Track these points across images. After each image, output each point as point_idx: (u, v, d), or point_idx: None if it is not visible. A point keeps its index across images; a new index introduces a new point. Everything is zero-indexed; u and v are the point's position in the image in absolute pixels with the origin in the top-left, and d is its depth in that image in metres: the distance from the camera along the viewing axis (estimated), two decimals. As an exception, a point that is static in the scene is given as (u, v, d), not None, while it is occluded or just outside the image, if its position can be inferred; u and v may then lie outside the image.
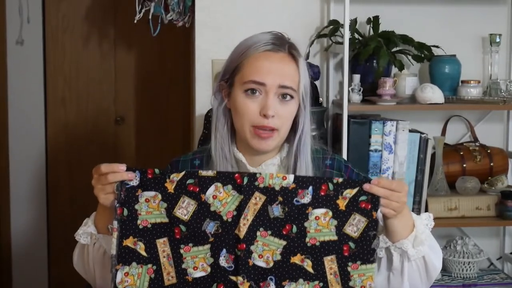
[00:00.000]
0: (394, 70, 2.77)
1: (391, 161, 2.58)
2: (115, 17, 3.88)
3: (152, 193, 1.44)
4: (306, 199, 1.44)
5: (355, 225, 1.44)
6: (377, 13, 2.74)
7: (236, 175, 1.44)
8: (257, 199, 1.43)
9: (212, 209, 1.44)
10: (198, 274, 1.44)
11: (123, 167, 1.45)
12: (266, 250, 1.44)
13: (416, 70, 2.87)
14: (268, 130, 1.53)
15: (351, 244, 1.44)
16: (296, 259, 1.44)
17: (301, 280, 1.44)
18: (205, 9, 2.77)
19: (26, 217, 3.87)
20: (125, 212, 1.44)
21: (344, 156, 2.55)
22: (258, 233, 1.43)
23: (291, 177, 1.44)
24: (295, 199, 1.44)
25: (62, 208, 3.90)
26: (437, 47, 2.79)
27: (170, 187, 1.44)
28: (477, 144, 2.82)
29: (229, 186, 1.44)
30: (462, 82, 2.74)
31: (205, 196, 1.44)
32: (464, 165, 2.75)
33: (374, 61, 2.70)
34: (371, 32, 2.76)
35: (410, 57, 2.78)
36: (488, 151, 2.78)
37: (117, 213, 1.44)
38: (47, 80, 3.88)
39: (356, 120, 2.60)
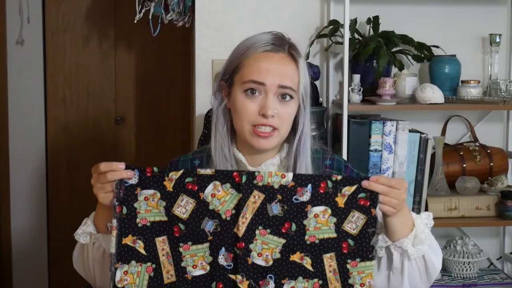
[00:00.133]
0: (394, 70, 2.77)
1: (391, 161, 2.58)
2: (115, 17, 3.88)
3: (151, 192, 1.44)
4: (305, 197, 1.44)
5: (354, 222, 1.44)
6: (377, 13, 2.74)
7: (235, 173, 1.44)
8: (256, 198, 1.43)
9: (210, 207, 1.44)
10: (197, 272, 1.45)
11: (122, 165, 1.45)
12: (265, 249, 1.44)
13: (416, 70, 2.87)
14: (268, 129, 1.53)
15: (350, 242, 1.44)
16: (296, 257, 1.44)
17: (300, 278, 1.44)
18: (205, 9, 2.77)
19: (26, 217, 3.87)
20: (124, 210, 1.44)
21: (344, 156, 2.55)
22: (257, 232, 1.43)
23: (290, 175, 1.44)
24: (294, 197, 1.44)
25: (62, 208, 3.90)
26: (437, 47, 2.80)
27: (169, 185, 1.44)
28: (477, 144, 2.82)
29: (228, 185, 1.44)
30: (462, 82, 2.74)
31: (203, 195, 1.44)
32: (464, 165, 2.75)
33: (374, 61, 2.70)
34: (371, 32, 2.76)
35: (410, 57, 2.78)
36: (488, 151, 2.78)
37: (116, 212, 1.44)
38: (47, 80, 3.88)
39: (356, 120, 2.60)
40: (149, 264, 1.45)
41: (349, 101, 2.60)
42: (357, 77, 2.66)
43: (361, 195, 1.44)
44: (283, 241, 1.44)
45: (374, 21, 2.74)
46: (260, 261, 1.44)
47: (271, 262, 1.44)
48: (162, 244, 1.45)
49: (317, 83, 2.74)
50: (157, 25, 2.84)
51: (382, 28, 2.74)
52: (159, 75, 3.95)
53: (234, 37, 2.70)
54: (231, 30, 2.76)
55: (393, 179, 1.47)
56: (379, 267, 1.57)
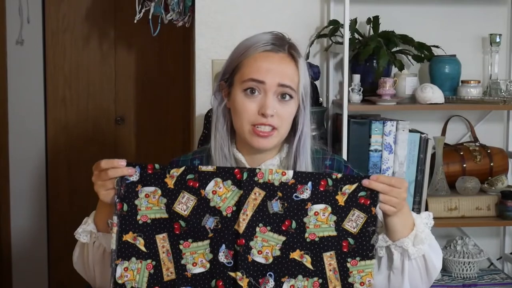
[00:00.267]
0: (394, 70, 2.77)
1: (391, 161, 2.58)
2: (115, 17, 3.88)
3: (152, 189, 1.44)
4: (305, 194, 1.44)
5: (354, 221, 1.44)
6: (377, 13, 2.74)
7: (236, 170, 1.44)
8: (257, 195, 1.44)
9: (211, 204, 1.44)
10: (197, 270, 1.45)
11: (123, 162, 1.45)
12: (265, 246, 1.44)
13: (416, 70, 2.87)
14: (267, 128, 1.53)
15: (350, 240, 1.44)
16: (296, 255, 1.44)
17: (300, 277, 1.44)
18: (205, 9, 2.77)
19: (26, 217, 3.87)
20: (125, 207, 1.44)
21: (344, 156, 2.55)
22: (257, 229, 1.44)
23: (290, 173, 1.45)
24: (294, 194, 1.44)
25: (62, 208, 3.91)
26: (437, 47, 2.79)
27: (170, 182, 1.44)
28: (477, 144, 2.82)
29: (229, 182, 1.44)
30: (462, 82, 2.74)
31: (204, 192, 1.44)
32: (464, 165, 2.75)
33: (374, 61, 2.70)
34: (371, 32, 2.76)
35: (410, 57, 2.78)
36: (488, 151, 2.78)
37: (117, 209, 1.44)
38: (47, 80, 3.88)
39: (356, 120, 2.60)
40: (149, 261, 1.45)
41: (349, 101, 2.60)
42: (357, 77, 2.66)
43: (362, 193, 1.44)
44: (283, 238, 1.44)
45: (374, 21, 2.74)
46: (260, 259, 1.44)
47: (271, 260, 1.44)
48: (162, 241, 1.45)
49: (317, 83, 2.74)
50: (157, 25, 2.84)
51: (382, 28, 2.74)
52: (159, 75, 3.95)
53: (234, 37, 2.70)
54: (231, 30, 2.76)
55: (393, 178, 1.47)
56: (379, 266, 1.57)
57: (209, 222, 1.44)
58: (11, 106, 3.82)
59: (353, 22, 2.72)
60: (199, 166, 1.45)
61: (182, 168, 1.44)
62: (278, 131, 1.55)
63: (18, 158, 3.83)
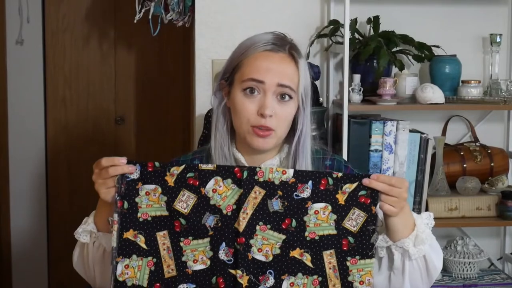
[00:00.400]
0: (395, 70, 2.76)
1: (392, 161, 2.58)
2: (115, 17, 3.88)
3: (152, 186, 1.45)
4: (306, 193, 1.44)
5: (354, 220, 1.44)
6: (377, 13, 2.74)
7: (236, 169, 1.45)
8: (257, 193, 1.44)
9: (212, 202, 1.44)
10: (198, 267, 1.45)
11: (123, 160, 1.45)
12: (265, 244, 1.44)
13: (416, 70, 2.86)
14: (265, 129, 1.53)
15: (350, 239, 1.44)
16: (296, 253, 1.45)
17: (300, 274, 1.45)
18: (205, 9, 2.77)
19: (26, 217, 3.87)
20: (126, 205, 1.44)
21: (345, 156, 2.55)
22: (257, 227, 1.44)
23: (290, 172, 1.45)
24: (294, 193, 1.44)
25: (62, 208, 3.90)
26: (437, 47, 2.79)
27: (170, 180, 1.44)
28: (477, 144, 2.82)
29: (229, 180, 1.44)
30: (463, 82, 2.74)
31: (205, 190, 1.44)
32: (465, 165, 2.75)
33: (375, 61, 2.70)
34: (371, 32, 2.75)
35: (410, 57, 2.78)
36: (489, 151, 2.78)
37: (118, 206, 1.44)
38: (47, 80, 3.88)
39: (356, 120, 2.59)
40: (150, 258, 1.45)
41: (349, 101, 2.60)
42: (357, 77, 2.66)
43: (362, 192, 1.44)
44: (283, 237, 1.44)
45: (375, 21, 2.73)
46: (260, 257, 1.44)
47: (271, 258, 1.45)
48: (163, 238, 1.45)
49: (317, 83, 2.74)
50: (157, 25, 2.84)
51: (382, 28, 2.74)
52: (159, 75, 3.95)
53: (234, 37, 2.70)
54: (231, 30, 2.76)
55: (394, 177, 1.47)
56: (380, 267, 1.57)
57: (209, 220, 1.45)
58: (11, 106, 3.82)
59: (353, 22, 2.72)
60: (199, 165, 1.45)
61: (182, 166, 1.45)
62: (275, 132, 1.54)
63: (18, 158, 3.83)
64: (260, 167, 1.45)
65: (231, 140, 1.63)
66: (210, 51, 2.77)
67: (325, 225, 1.45)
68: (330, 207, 1.44)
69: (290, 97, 1.55)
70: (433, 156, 2.69)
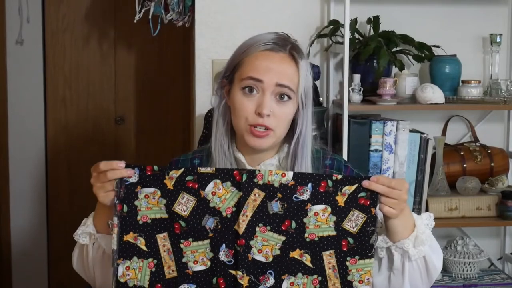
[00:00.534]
0: (395, 70, 2.76)
1: (392, 161, 2.58)
2: (115, 17, 3.88)
3: (152, 190, 1.45)
4: (305, 195, 1.44)
5: (354, 221, 1.45)
6: (377, 13, 2.74)
7: (235, 172, 1.45)
8: (256, 196, 1.44)
9: (211, 205, 1.45)
10: (198, 268, 1.46)
11: (122, 164, 1.45)
12: (265, 245, 1.45)
13: (416, 70, 2.86)
14: (263, 128, 1.53)
15: (350, 240, 1.45)
16: (295, 254, 1.45)
17: (300, 274, 1.45)
18: (205, 9, 2.77)
19: (26, 217, 3.87)
20: (125, 208, 1.45)
21: (345, 156, 2.55)
22: (257, 229, 1.44)
23: (290, 174, 1.45)
24: (294, 195, 1.44)
25: (62, 208, 3.90)
26: (437, 47, 2.79)
27: (169, 183, 1.45)
28: (477, 144, 2.82)
29: (228, 183, 1.44)
30: (463, 82, 2.74)
31: (204, 193, 1.45)
32: (465, 165, 2.75)
33: (375, 61, 2.70)
34: (371, 32, 2.75)
35: (410, 57, 2.78)
36: (489, 151, 2.78)
37: (117, 210, 1.44)
38: (47, 80, 3.88)
39: (356, 120, 2.59)
40: (150, 259, 1.46)
41: (349, 101, 2.60)
42: (357, 77, 2.66)
43: (362, 194, 1.45)
44: (283, 238, 1.45)
45: (375, 21, 2.73)
46: (260, 257, 1.45)
47: (271, 259, 1.45)
48: (163, 240, 1.46)
49: (317, 83, 2.74)
50: (157, 25, 2.84)
51: (382, 28, 2.74)
52: (159, 75, 3.95)
53: (234, 37, 2.70)
54: (231, 30, 2.76)
55: (393, 179, 1.46)
56: (380, 267, 1.56)
57: (209, 223, 1.45)
58: (11, 106, 3.82)
59: (353, 22, 2.72)
60: (198, 168, 1.45)
61: (181, 170, 1.45)
62: (274, 132, 1.54)
63: (18, 158, 3.83)
64: (259, 170, 1.45)
65: (231, 139, 1.63)
66: (210, 51, 2.77)
67: (325, 226, 1.45)
68: (329, 209, 1.45)
69: (289, 97, 1.55)
70: (433, 156, 2.69)
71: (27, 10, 3.77)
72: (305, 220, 1.45)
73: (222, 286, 1.45)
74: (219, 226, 1.45)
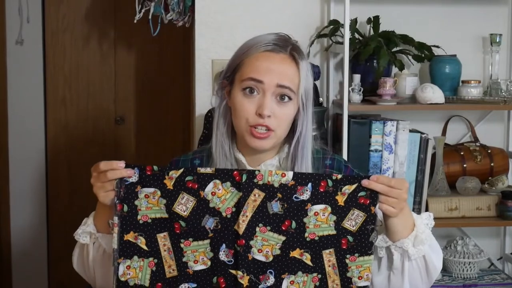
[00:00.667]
0: (395, 70, 2.76)
1: (392, 161, 2.58)
2: (115, 17, 3.88)
3: (151, 189, 1.45)
4: (305, 195, 1.45)
5: (354, 220, 1.45)
6: (377, 13, 2.74)
7: (235, 172, 1.45)
8: (256, 196, 1.44)
9: (211, 205, 1.45)
10: (199, 267, 1.46)
11: (122, 164, 1.45)
12: (265, 245, 1.45)
13: (416, 70, 2.86)
14: (264, 129, 1.53)
15: (349, 238, 1.45)
16: (295, 253, 1.46)
17: (300, 273, 1.46)
18: (205, 9, 2.77)
19: (26, 217, 3.87)
20: (125, 208, 1.45)
21: (344, 156, 2.55)
22: (257, 229, 1.45)
23: (290, 174, 1.45)
24: (294, 195, 1.45)
25: (62, 208, 3.90)
26: (437, 47, 2.79)
27: (169, 183, 1.45)
28: (477, 144, 2.82)
29: (228, 183, 1.45)
30: (463, 82, 2.74)
31: (204, 193, 1.45)
32: (465, 165, 2.75)
33: (375, 61, 2.70)
34: (371, 32, 2.75)
35: (410, 57, 2.78)
36: (489, 151, 2.78)
37: (117, 209, 1.45)
38: (47, 80, 3.88)
39: (356, 120, 2.59)
40: (151, 259, 1.46)
41: (349, 101, 2.60)
42: (357, 77, 2.66)
43: (361, 193, 1.45)
44: (283, 238, 1.45)
45: (375, 21, 2.73)
46: (260, 257, 1.45)
47: (271, 258, 1.46)
48: (163, 239, 1.46)
49: (317, 83, 2.74)
50: (157, 25, 2.84)
51: (382, 28, 2.74)
52: (159, 75, 3.95)
53: (234, 37, 2.70)
54: (231, 30, 2.76)
55: (393, 179, 1.47)
56: (379, 267, 1.57)
57: (209, 223, 1.45)
58: (11, 106, 3.82)
59: (353, 22, 2.72)
60: (198, 168, 1.45)
61: (181, 170, 1.45)
62: (274, 132, 1.55)
63: (18, 158, 3.83)
64: (259, 170, 1.45)
65: (232, 139, 1.63)
66: (210, 51, 2.77)
67: (325, 226, 1.45)
68: (329, 209, 1.45)
69: (290, 98, 1.55)
70: (433, 156, 2.69)
71: (27, 10, 3.77)
72: (305, 220, 1.45)
73: (223, 286, 1.45)
74: (219, 226, 1.45)
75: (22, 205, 3.86)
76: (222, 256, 1.45)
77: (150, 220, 1.46)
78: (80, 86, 3.93)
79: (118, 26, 3.89)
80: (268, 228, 1.45)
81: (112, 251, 1.47)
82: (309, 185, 1.44)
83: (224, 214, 1.45)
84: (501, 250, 2.97)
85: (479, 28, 2.88)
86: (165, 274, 1.46)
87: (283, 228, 1.45)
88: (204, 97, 2.75)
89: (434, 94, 2.60)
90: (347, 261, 1.45)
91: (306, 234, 1.45)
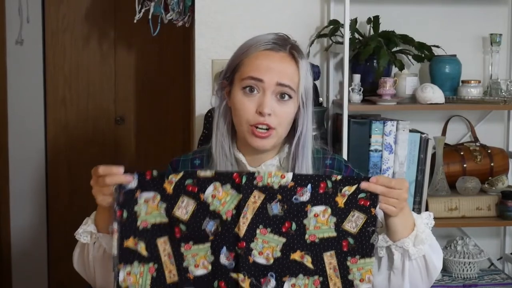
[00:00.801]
0: (395, 70, 2.76)
1: (392, 161, 2.58)
2: (115, 17, 3.88)
3: (151, 194, 1.44)
4: (305, 196, 1.44)
5: (354, 222, 1.45)
6: (377, 13, 2.74)
7: (235, 174, 1.44)
8: (256, 198, 1.44)
9: (211, 208, 1.44)
10: (200, 271, 1.45)
11: (120, 170, 1.44)
12: (266, 247, 1.44)
13: (416, 70, 2.86)
14: (265, 128, 1.53)
15: (350, 240, 1.45)
16: (296, 256, 1.45)
17: (301, 276, 1.45)
18: (205, 9, 2.77)
19: (26, 217, 3.87)
20: (125, 214, 1.44)
21: (344, 156, 2.55)
22: (257, 231, 1.44)
23: (289, 175, 1.45)
24: (294, 197, 1.44)
25: (62, 208, 3.90)
26: (437, 47, 2.79)
27: (169, 187, 1.44)
28: (477, 144, 2.82)
29: (228, 185, 1.44)
30: (463, 82, 2.74)
31: (204, 196, 1.44)
32: (465, 165, 2.75)
33: (375, 61, 2.70)
34: (371, 32, 2.75)
35: (410, 57, 2.78)
36: (489, 151, 2.78)
37: (117, 216, 1.44)
38: (47, 80, 3.88)
39: (356, 120, 2.59)
40: (151, 264, 1.45)
41: (349, 101, 2.60)
42: (357, 77, 2.66)
43: (361, 195, 1.45)
44: (284, 240, 1.45)
45: (375, 21, 2.73)
46: (261, 260, 1.44)
47: (272, 261, 1.45)
48: (163, 244, 1.45)
49: (317, 83, 2.74)
50: (157, 25, 2.84)
51: (382, 28, 2.74)
52: (159, 75, 3.95)
53: (234, 37, 2.70)
54: (231, 30, 2.76)
55: (393, 179, 1.46)
56: (379, 267, 1.57)
57: (209, 226, 1.44)
58: (11, 106, 3.82)
59: (353, 22, 2.72)
60: (198, 172, 1.45)
61: (181, 174, 1.44)
62: (276, 131, 1.54)
63: (18, 158, 3.83)
64: (259, 172, 1.45)
65: (232, 139, 1.63)
66: (210, 51, 2.77)
67: (325, 227, 1.45)
68: (329, 210, 1.45)
69: (290, 96, 1.55)
70: (433, 156, 2.69)
71: (27, 10, 3.77)
72: (305, 221, 1.45)
73: None
74: (220, 229, 1.44)
75: (22, 205, 3.86)
76: (223, 259, 1.44)
77: (149, 225, 1.45)
78: (80, 86, 3.93)
79: (118, 26, 3.89)
80: (269, 229, 1.44)
81: (112, 257, 1.47)
82: (309, 186, 1.44)
83: (224, 216, 1.44)
84: (501, 250, 2.97)
85: (479, 28, 2.88)
86: (166, 280, 1.45)
87: (283, 230, 1.44)
88: (204, 97, 2.75)
89: (434, 94, 2.60)
90: (348, 263, 1.45)
91: (307, 236, 1.45)
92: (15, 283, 3.87)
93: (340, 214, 1.45)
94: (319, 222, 1.45)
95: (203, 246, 1.45)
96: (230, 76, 1.59)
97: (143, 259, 1.45)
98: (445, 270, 2.76)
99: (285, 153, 1.62)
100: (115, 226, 1.44)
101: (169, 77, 3.94)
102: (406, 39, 2.75)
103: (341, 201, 1.44)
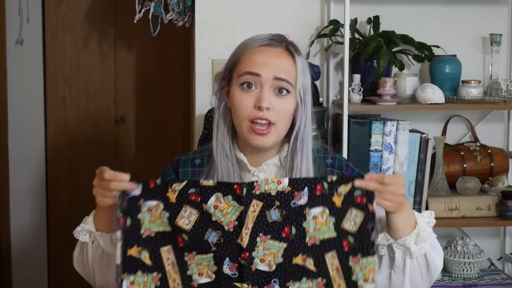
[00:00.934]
0: (395, 70, 2.76)
1: (392, 161, 2.58)
2: (115, 17, 3.88)
3: (154, 203, 1.44)
4: (303, 200, 1.44)
5: (353, 220, 1.45)
6: (377, 13, 2.74)
7: (235, 186, 1.44)
8: (255, 206, 1.44)
9: (213, 219, 1.44)
10: (203, 280, 1.45)
11: (126, 177, 1.45)
12: (267, 254, 1.44)
13: (416, 70, 2.86)
14: (264, 124, 1.53)
15: (350, 239, 1.44)
16: (298, 260, 1.45)
17: (304, 279, 1.45)
18: (205, 9, 2.77)
19: (26, 217, 3.87)
20: (128, 222, 1.44)
21: (345, 156, 2.54)
22: (258, 239, 1.44)
23: (285, 181, 1.45)
24: (292, 201, 1.44)
25: (62, 208, 3.90)
26: (437, 47, 2.79)
27: (172, 196, 1.44)
28: (477, 144, 2.82)
29: (230, 197, 1.44)
30: (463, 82, 2.74)
31: (206, 206, 1.44)
32: (465, 165, 2.75)
33: (375, 61, 2.70)
34: (371, 32, 2.75)
35: (410, 57, 2.78)
36: (489, 151, 2.78)
37: (120, 223, 1.44)
38: (47, 80, 3.88)
39: (356, 120, 2.59)
40: (155, 274, 1.45)
41: (349, 101, 2.60)
42: (357, 77, 2.66)
43: (357, 192, 1.45)
44: (284, 245, 1.44)
45: (375, 21, 2.73)
46: (263, 267, 1.44)
47: (274, 267, 1.44)
48: (167, 253, 1.45)
49: (317, 83, 2.74)
50: (157, 25, 2.84)
51: (382, 28, 2.74)
52: (159, 75, 3.95)
53: (234, 37, 2.70)
54: (231, 30, 2.76)
55: (386, 175, 1.46)
56: (380, 265, 1.57)
57: (212, 237, 1.44)
58: (11, 106, 3.82)
59: (353, 22, 2.72)
60: (200, 181, 1.45)
61: (184, 183, 1.45)
62: (275, 126, 1.54)
63: (18, 158, 3.83)
64: (257, 181, 1.44)
65: (233, 139, 1.63)
66: (210, 51, 2.77)
67: (325, 229, 1.45)
68: (327, 211, 1.45)
69: (288, 91, 1.55)
70: (433, 156, 2.69)
71: (27, 10, 3.77)
72: (304, 224, 1.44)
73: None
74: (222, 240, 1.44)
75: (22, 205, 3.86)
76: (226, 269, 1.44)
77: (153, 234, 1.44)
78: (80, 86, 3.93)
79: (118, 26, 3.89)
80: (269, 236, 1.44)
81: (111, 252, 1.47)
82: (306, 189, 1.44)
83: (226, 227, 1.44)
84: (501, 250, 2.97)
85: (479, 28, 2.88)
86: None
87: (283, 235, 1.44)
88: (204, 97, 2.75)
89: (434, 94, 2.60)
90: (350, 263, 1.44)
91: (307, 239, 1.44)
92: (15, 283, 3.87)
93: (339, 214, 1.45)
94: (318, 224, 1.44)
95: (206, 256, 1.45)
96: (228, 75, 1.59)
97: (146, 269, 1.44)
98: (445, 270, 2.76)
99: (285, 152, 1.62)
100: (119, 234, 1.43)
101: (169, 77, 3.94)
102: (406, 39, 2.75)
103: (338, 201, 1.45)
